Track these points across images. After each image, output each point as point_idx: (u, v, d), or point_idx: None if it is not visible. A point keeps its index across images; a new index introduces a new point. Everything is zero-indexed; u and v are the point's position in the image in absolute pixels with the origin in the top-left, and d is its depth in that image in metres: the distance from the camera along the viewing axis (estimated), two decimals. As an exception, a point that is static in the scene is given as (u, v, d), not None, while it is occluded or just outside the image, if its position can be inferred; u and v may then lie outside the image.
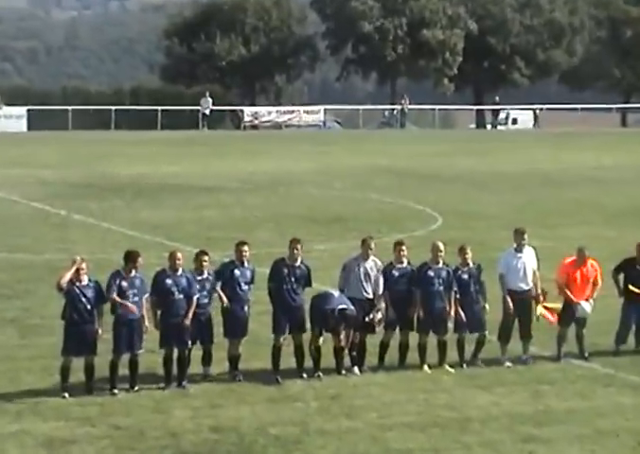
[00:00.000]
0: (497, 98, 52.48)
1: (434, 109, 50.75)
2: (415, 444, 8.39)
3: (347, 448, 8.30)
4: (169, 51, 53.89)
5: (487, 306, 10.59)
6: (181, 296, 9.64)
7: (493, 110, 52.29)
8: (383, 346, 10.38)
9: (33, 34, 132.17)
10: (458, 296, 10.40)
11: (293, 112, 48.35)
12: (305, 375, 9.99)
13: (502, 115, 52.18)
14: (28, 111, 43.25)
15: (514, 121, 52.38)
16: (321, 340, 10.08)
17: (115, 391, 9.45)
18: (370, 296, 10.27)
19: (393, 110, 51.04)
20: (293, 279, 9.97)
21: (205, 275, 9.84)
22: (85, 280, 9.42)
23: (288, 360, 10.07)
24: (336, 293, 10.12)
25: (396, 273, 10.29)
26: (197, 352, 9.94)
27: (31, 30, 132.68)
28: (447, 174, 27.83)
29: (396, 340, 10.42)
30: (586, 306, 10.67)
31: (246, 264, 10.07)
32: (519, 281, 10.58)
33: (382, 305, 10.29)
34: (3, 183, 24.14)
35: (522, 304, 10.61)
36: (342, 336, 9.89)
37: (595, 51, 57.96)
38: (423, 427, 8.70)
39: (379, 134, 45.37)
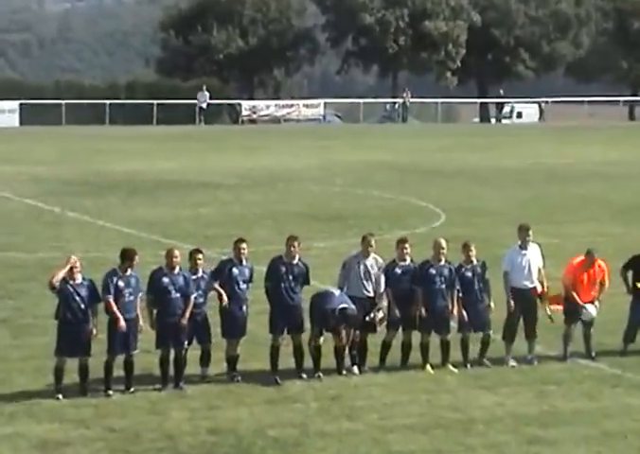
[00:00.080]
0: (501, 92, 52.18)
1: (436, 102, 50.55)
2: (417, 445, 8.29)
3: (348, 450, 8.20)
4: (165, 44, 53.59)
5: (492, 305, 10.43)
6: (178, 295, 9.51)
7: (497, 103, 52.03)
8: (385, 346, 10.23)
9: (26, 26, 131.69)
10: (461, 295, 10.26)
11: (292, 105, 48.17)
12: (304, 376, 9.86)
13: (506, 109, 51.95)
14: (21, 105, 42.95)
15: (519, 115, 52.16)
16: (321, 339, 9.94)
17: (110, 392, 9.33)
18: (371, 294, 10.12)
19: (394, 103, 50.86)
20: (291, 277, 9.82)
21: (200, 274, 9.71)
22: (79, 279, 9.29)
23: (287, 361, 9.96)
24: (337, 292, 9.97)
25: (398, 271, 10.14)
26: (194, 352, 9.82)
27: (24, 23, 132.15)
28: (450, 169, 27.68)
29: (398, 340, 10.28)
30: (591, 310, 10.52)
31: (245, 262, 9.93)
32: (523, 279, 10.43)
33: (384, 303, 10.13)
34: (-5, 179, 24.13)
35: (526, 302, 10.47)
36: (342, 334, 9.73)
37: (602, 43, 57.62)
38: (426, 429, 8.59)
39: (380, 129, 45.24)
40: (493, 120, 52.21)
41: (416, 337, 10.24)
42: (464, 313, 10.22)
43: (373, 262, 10.12)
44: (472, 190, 23.48)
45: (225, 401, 9.19)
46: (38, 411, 8.86)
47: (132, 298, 9.34)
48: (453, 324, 10.35)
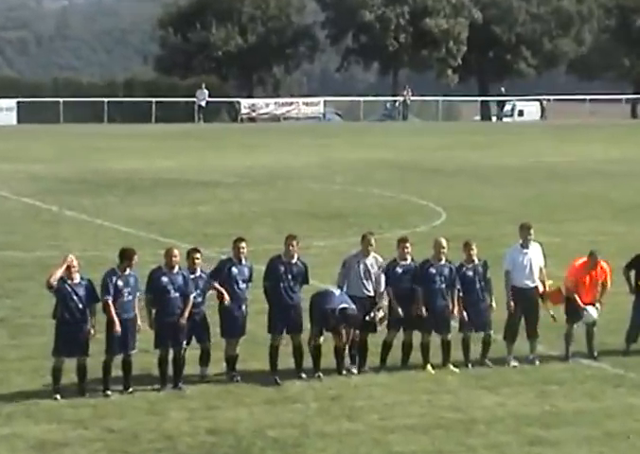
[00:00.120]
0: (503, 89, 52.05)
1: (437, 100, 50.47)
2: (418, 446, 8.24)
3: (348, 451, 8.16)
4: (164, 41, 53.45)
5: (494, 305, 10.36)
6: (177, 294, 9.46)
7: (499, 101, 51.90)
8: (386, 346, 10.17)
9: (23, 24, 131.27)
10: (462, 294, 10.19)
11: (291, 103, 48.08)
12: (304, 376, 9.80)
13: (508, 107, 51.83)
14: (18, 103, 42.87)
15: (520, 113, 52.06)
16: (321, 338, 9.87)
17: (109, 392, 9.28)
18: (371, 294, 10.06)
19: (395, 101, 50.77)
20: (290, 277, 9.76)
21: (198, 273, 9.65)
22: (77, 278, 9.23)
23: (287, 361, 9.91)
24: (337, 292, 9.91)
25: (399, 271, 10.08)
26: (193, 352, 9.75)
27: (21, 20, 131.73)
28: (451, 168, 27.63)
29: (398, 340, 10.23)
30: (593, 312, 10.46)
31: (244, 261, 9.87)
32: (525, 278, 10.37)
33: (384, 302, 10.05)
34: (-8, 178, 24.07)
35: (528, 302, 10.40)
36: (342, 334, 9.68)
37: (604, 40, 57.45)
38: (426, 430, 8.55)
39: (380, 127, 45.19)
40: (494, 118, 52.10)
41: (416, 337, 10.18)
42: (464, 313, 10.16)
43: (373, 261, 10.05)
44: (473, 189, 23.42)
45: (225, 401, 9.15)
46: (36, 412, 8.82)
47: (130, 298, 9.30)
48: (454, 324, 10.29)
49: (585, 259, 10.51)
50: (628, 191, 23.10)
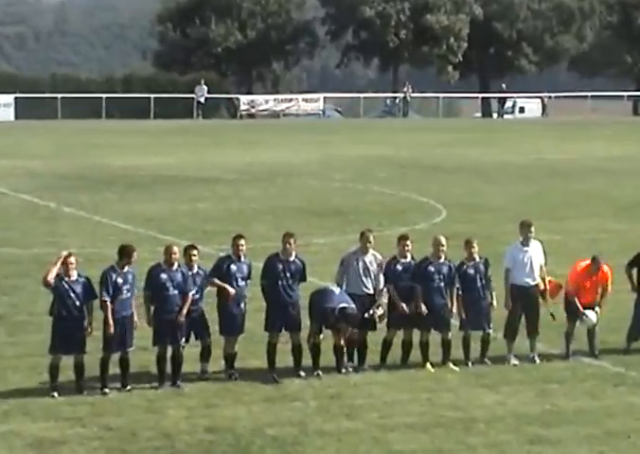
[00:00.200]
0: (504, 86, 51.95)
1: (437, 97, 50.38)
2: (417, 445, 8.20)
3: (348, 450, 8.11)
4: (163, 37, 53.38)
5: (494, 303, 10.30)
6: (175, 292, 9.41)
7: (500, 98, 51.79)
8: (386, 345, 10.12)
9: (21, 19, 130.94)
10: (461, 292, 10.14)
11: (291, 100, 48.00)
12: (303, 374, 9.75)
13: (508, 104, 51.73)
14: (16, 99, 42.79)
15: (521, 110, 51.98)
16: (321, 336, 9.82)
17: (107, 390, 9.23)
18: (370, 291, 10.00)
19: (395, 98, 50.70)
20: (288, 275, 9.71)
21: (195, 270, 9.60)
22: (74, 275, 9.17)
23: (286, 359, 9.86)
24: (337, 290, 9.86)
25: (399, 268, 10.03)
26: (191, 350, 9.71)
27: (19, 15, 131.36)
28: (451, 165, 27.57)
29: (398, 338, 10.18)
30: (592, 316, 10.41)
31: (243, 258, 9.83)
32: (525, 276, 10.32)
33: (384, 300, 9.99)
34: (-10, 174, 24.02)
35: (528, 300, 10.35)
36: (342, 331, 9.63)
37: (606, 37, 57.33)
38: (426, 428, 8.51)
39: (380, 123, 45.14)
40: (495, 115, 52.02)
41: (416, 335, 10.13)
42: (462, 312, 10.10)
43: (372, 258, 10.00)
44: (474, 186, 23.36)
45: (223, 399, 9.10)
46: (33, 410, 8.77)
47: (129, 295, 9.26)
48: (455, 322, 10.24)
49: (588, 263, 10.44)
50: (629, 189, 23.06)
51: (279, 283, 9.67)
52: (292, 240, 9.75)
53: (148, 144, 32.31)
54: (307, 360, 9.83)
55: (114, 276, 9.16)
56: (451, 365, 10.08)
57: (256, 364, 9.87)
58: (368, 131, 39.02)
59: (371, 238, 9.99)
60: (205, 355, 9.64)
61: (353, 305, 9.68)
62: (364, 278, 9.91)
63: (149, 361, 9.59)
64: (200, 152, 29.88)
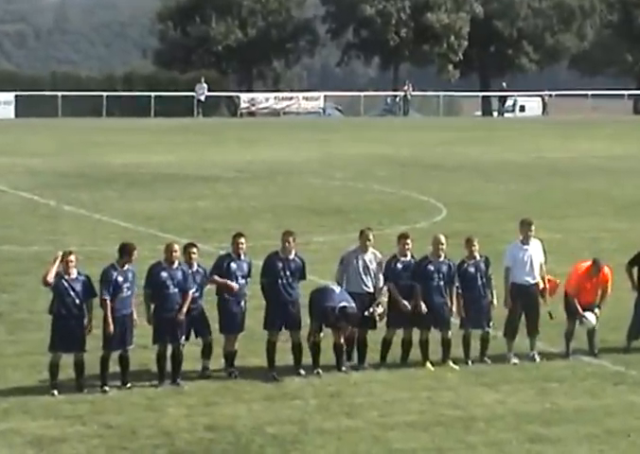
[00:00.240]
0: (504, 85, 51.91)
1: (438, 95, 50.34)
2: (417, 443, 8.20)
3: (348, 448, 8.10)
4: (163, 35, 53.34)
5: (495, 302, 10.30)
6: (176, 290, 9.42)
7: (500, 96, 51.77)
8: (386, 344, 10.11)
9: (21, 17, 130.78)
10: (461, 291, 10.13)
11: (291, 98, 47.97)
12: (303, 372, 9.74)
13: (509, 102, 51.69)
14: (16, 97, 42.78)
15: (522, 108, 51.94)
16: (321, 334, 9.82)
17: (107, 388, 9.23)
18: (370, 290, 9.99)
19: (396, 96, 50.65)
20: (288, 273, 9.70)
21: (195, 268, 9.59)
22: (74, 273, 9.17)
23: (286, 357, 9.86)
24: (337, 289, 9.85)
25: (399, 267, 10.03)
26: (191, 348, 9.71)
27: (19, 13, 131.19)
28: (451, 163, 27.55)
29: (398, 337, 10.17)
30: (591, 318, 10.40)
31: (243, 257, 9.83)
32: (525, 275, 10.32)
33: (384, 298, 9.98)
34: (-10, 172, 24.01)
35: (528, 298, 10.35)
36: (342, 330, 9.63)
37: (607, 35, 57.29)
38: (426, 427, 8.51)
39: (381, 122, 45.13)
40: (496, 114, 51.98)
41: (416, 334, 10.12)
42: (463, 310, 10.10)
43: (372, 257, 9.99)
44: (474, 185, 23.36)
45: (223, 397, 9.10)
46: (33, 407, 8.77)
47: (129, 293, 9.26)
48: (455, 321, 10.24)
49: (588, 265, 10.42)
50: (630, 188, 23.04)
51: (279, 281, 9.67)
52: (291, 239, 9.74)
53: (148, 142, 32.29)
54: (307, 359, 9.83)
55: (114, 274, 9.16)
56: (451, 364, 10.08)
57: (256, 362, 9.87)
58: (369, 130, 39.00)
59: (371, 237, 9.99)
60: (207, 352, 9.65)
61: (353, 305, 9.68)
62: (363, 276, 9.91)
63: (149, 359, 9.59)
64: (200, 150, 29.88)
